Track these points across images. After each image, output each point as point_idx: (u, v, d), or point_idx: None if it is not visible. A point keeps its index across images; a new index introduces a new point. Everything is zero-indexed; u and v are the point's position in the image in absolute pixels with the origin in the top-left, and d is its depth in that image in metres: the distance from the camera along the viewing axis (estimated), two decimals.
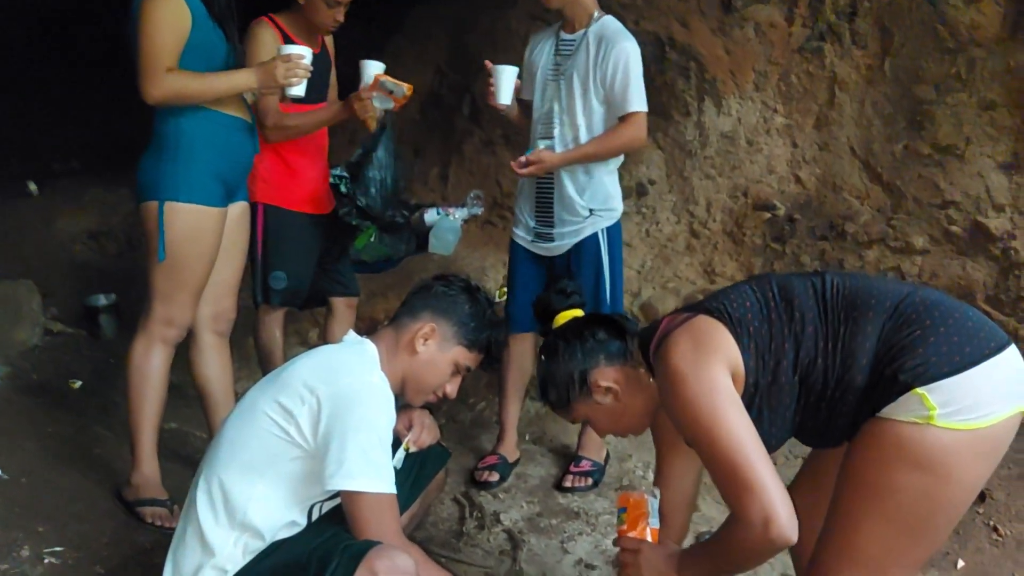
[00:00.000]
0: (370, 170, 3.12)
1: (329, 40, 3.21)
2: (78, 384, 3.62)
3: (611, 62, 2.85)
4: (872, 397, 1.55)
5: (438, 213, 4.48)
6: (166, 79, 2.50)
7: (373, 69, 3.00)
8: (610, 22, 2.93)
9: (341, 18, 3.04)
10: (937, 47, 3.44)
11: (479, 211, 4.51)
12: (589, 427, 3.05)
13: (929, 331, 1.53)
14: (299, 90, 2.67)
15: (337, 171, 3.47)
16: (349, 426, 1.82)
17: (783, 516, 1.49)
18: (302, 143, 3.10)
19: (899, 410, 1.51)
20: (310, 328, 4.04)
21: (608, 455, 3.15)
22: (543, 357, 1.90)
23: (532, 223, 3.05)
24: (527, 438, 3.32)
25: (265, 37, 2.94)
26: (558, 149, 2.95)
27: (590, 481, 3.01)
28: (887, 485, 1.53)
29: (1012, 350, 1.55)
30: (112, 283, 4.46)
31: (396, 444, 2.15)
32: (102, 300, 4.26)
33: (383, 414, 1.90)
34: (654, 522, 1.79)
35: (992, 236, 3.26)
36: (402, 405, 2.15)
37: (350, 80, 3.07)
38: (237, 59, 2.70)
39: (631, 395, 1.80)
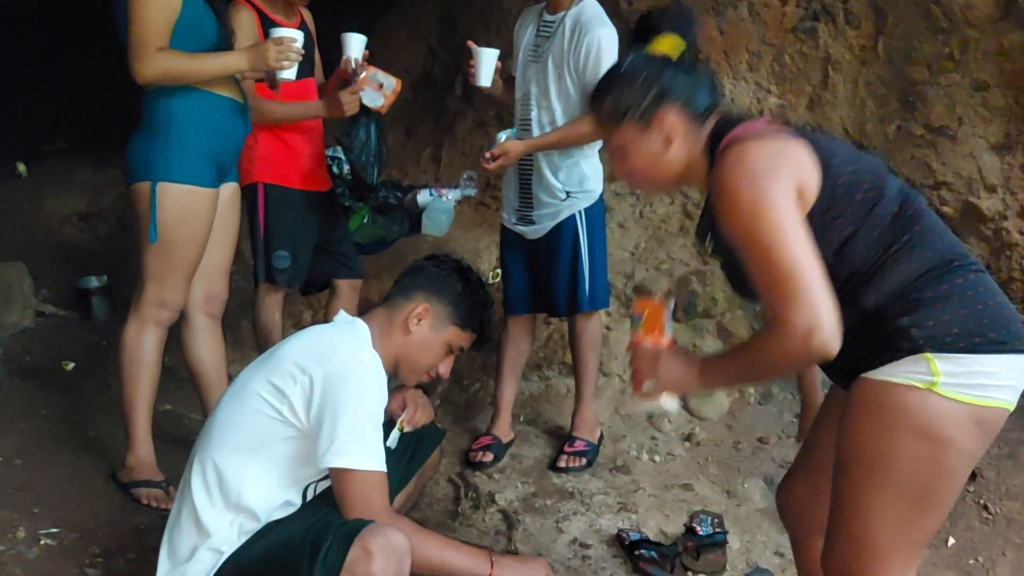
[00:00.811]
0: (359, 146, 3.12)
1: (308, 16, 3.18)
2: (71, 366, 3.61)
3: (583, 49, 2.82)
4: (874, 334, 1.52)
5: (431, 194, 4.48)
6: (157, 58, 2.48)
7: (355, 42, 2.99)
8: (588, 7, 2.89)
9: None
10: (930, 27, 3.42)
11: (472, 192, 4.51)
12: (583, 408, 3.09)
13: (964, 299, 1.51)
14: (289, 73, 2.67)
15: (330, 151, 3.47)
16: (340, 404, 1.83)
17: (828, 326, 1.43)
18: (300, 121, 3.09)
19: (900, 370, 1.50)
20: (304, 310, 4.03)
21: (602, 435, 3.16)
22: (622, 66, 1.71)
23: (516, 205, 3.06)
24: (521, 419, 3.33)
25: (242, 18, 2.91)
26: (535, 132, 2.94)
27: (584, 461, 3.03)
28: (892, 455, 1.52)
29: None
30: (104, 265, 4.45)
31: (390, 424, 2.16)
32: (94, 282, 4.25)
33: (374, 392, 1.91)
34: (668, 330, 1.70)
35: (984, 217, 3.27)
36: (396, 386, 2.15)
37: (337, 59, 3.04)
38: (227, 40, 2.68)
39: (679, 152, 1.65)
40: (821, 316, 1.42)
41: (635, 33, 1.80)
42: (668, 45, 1.69)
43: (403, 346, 2.04)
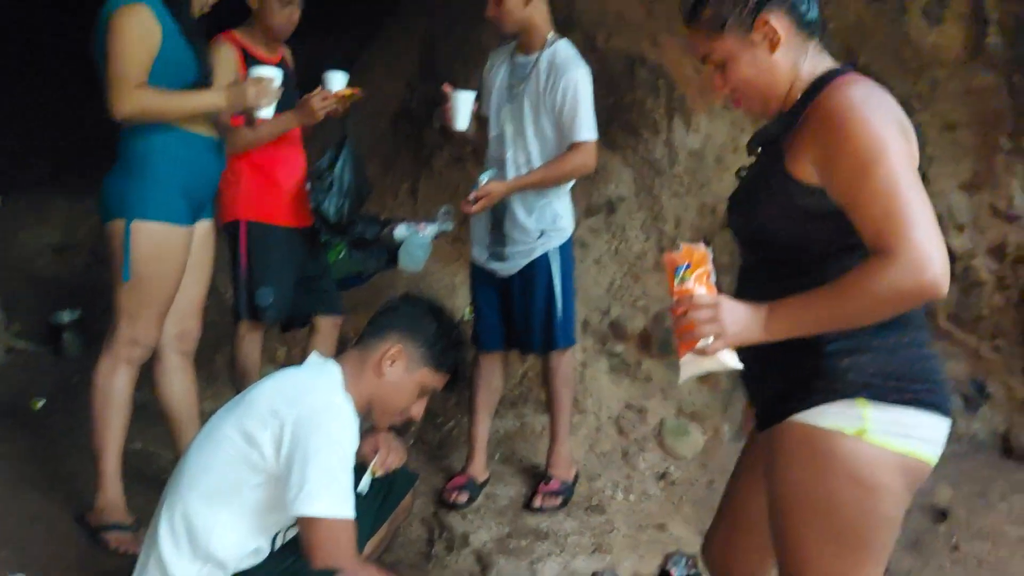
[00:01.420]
0: (331, 181, 3.12)
1: (287, 52, 3.20)
2: (40, 403, 3.56)
3: (560, 90, 2.85)
4: (809, 362, 1.49)
5: (408, 229, 4.46)
6: (136, 95, 2.48)
7: (337, 80, 3.00)
8: (563, 47, 2.92)
9: (296, 17, 3.04)
10: (901, 67, 3.49)
11: (449, 227, 4.50)
12: (558, 446, 3.08)
13: (908, 354, 1.50)
14: (267, 111, 2.68)
15: (308, 185, 3.46)
16: (311, 449, 1.81)
17: (944, 265, 1.35)
18: (281, 156, 3.09)
19: (831, 412, 1.48)
20: (278, 347, 4.01)
21: (577, 474, 3.16)
22: None
23: (486, 243, 3.07)
24: (496, 458, 3.32)
25: (224, 54, 2.92)
26: (510, 172, 2.96)
27: (559, 500, 3.02)
28: (827, 502, 1.50)
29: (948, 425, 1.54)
30: (77, 298, 4.40)
31: (363, 468, 2.15)
32: (66, 317, 4.21)
33: (346, 436, 1.89)
34: (714, 280, 1.51)
35: (953, 255, 3.30)
36: (367, 428, 2.14)
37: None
38: (206, 77, 2.68)
39: (785, 58, 1.55)
40: (938, 252, 1.35)
41: None
42: None
43: (376, 388, 2.03)
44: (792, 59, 1.56)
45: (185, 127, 2.61)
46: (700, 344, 1.43)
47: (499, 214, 3.01)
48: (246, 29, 3.05)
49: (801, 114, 1.52)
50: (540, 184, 2.94)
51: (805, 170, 1.48)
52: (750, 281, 1.66)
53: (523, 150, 2.96)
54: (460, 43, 4.87)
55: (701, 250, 1.51)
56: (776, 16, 1.54)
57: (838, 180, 1.45)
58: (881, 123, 1.43)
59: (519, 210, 2.96)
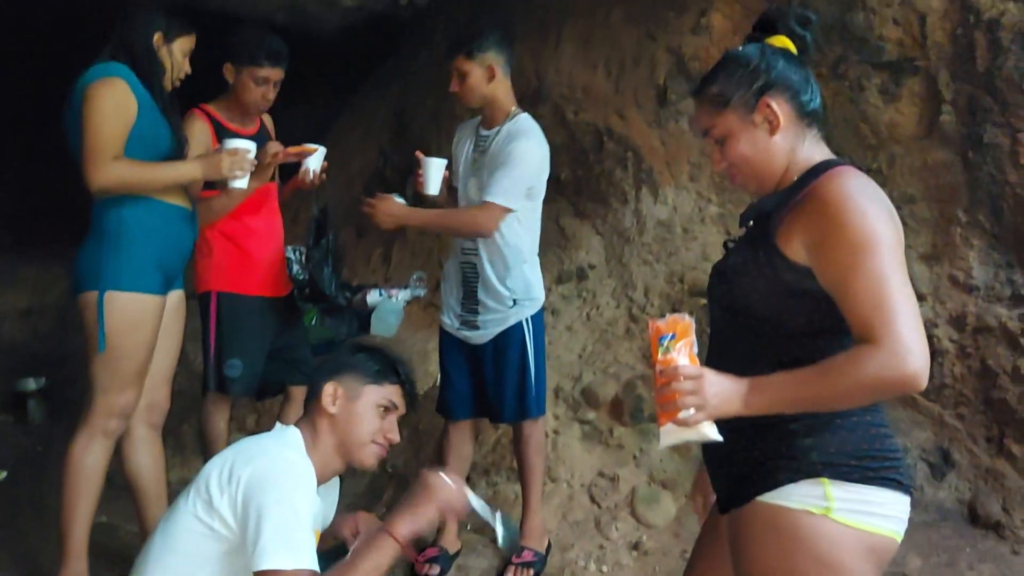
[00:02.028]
0: (320, 255, 3.16)
1: (268, 120, 3.25)
2: (3, 475, 3.49)
3: (504, 153, 2.89)
4: (771, 441, 1.52)
5: (380, 295, 4.51)
6: (112, 167, 2.50)
7: (315, 154, 3.04)
8: (523, 121, 2.97)
9: (271, 96, 3.08)
10: (860, 143, 3.61)
11: (422, 293, 4.56)
12: (531, 516, 3.06)
13: (867, 433, 1.53)
14: (242, 183, 2.70)
15: (288, 251, 3.48)
16: (264, 506, 1.79)
17: (927, 357, 1.38)
18: (255, 227, 3.11)
19: (796, 493, 1.51)
20: (248, 414, 3.97)
21: (550, 544, 3.14)
22: (735, 53, 1.68)
23: (458, 310, 3.08)
24: (468, 527, 3.29)
25: (195, 128, 2.96)
26: (479, 242, 2.98)
27: (532, 572, 2.99)
28: None
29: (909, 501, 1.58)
30: (43, 365, 4.35)
31: (343, 551, 2.12)
32: (31, 384, 4.15)
33: (299, 492, 1.87)
34: (696, 350, 1.53)
35: None
36: (344, 510, 2.13)
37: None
38: (181, 149, 2.71)
39: (783, 142, 1.61)
40: (921, 346, 1.38)
41: (754, 29, 1.75)
42: (787, 45, 1.68)
43: (334, 431, 2.02)
44: (790, 143, 1.62)
45: (159, 197, 2.63)
46: (681, 415, 1.45)
47: (471, 282, 3.04)
48: (221, 101, 3.09)
49: (797, 194, 1.56)
50: (433, 225, 3.08)
51: (794, 249, 1.53)
52: (721, 349, 1.69)
53: None
54: (432, 111, 4.97)
55: (686, 321, 1.53)
56: (779, 101, 1.60)
57: (829, 267, 1.49)
58: (875, 216, 1.47)
59: (492, 276, 2.99)
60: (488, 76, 2.92)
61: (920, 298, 3.39)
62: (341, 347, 2.22)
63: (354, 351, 2.13)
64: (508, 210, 2.88)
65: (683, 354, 1.50)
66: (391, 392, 2.08)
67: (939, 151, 3.45)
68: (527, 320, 3.02)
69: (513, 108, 3.00)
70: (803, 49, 1.68)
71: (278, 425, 2.13)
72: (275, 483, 1.84)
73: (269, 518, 1.78)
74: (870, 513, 1.51)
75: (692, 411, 1.45)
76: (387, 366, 2.10)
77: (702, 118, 1.68)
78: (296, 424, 2.07)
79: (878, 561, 1.54)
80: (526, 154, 2.88)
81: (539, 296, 3.07)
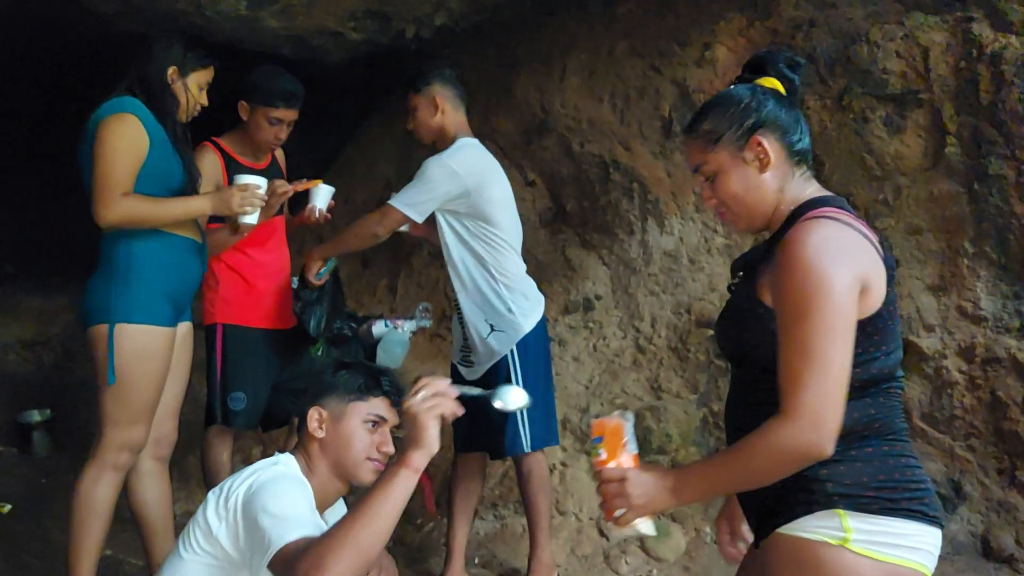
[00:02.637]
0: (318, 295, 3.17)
1: (280, 154, 3.26)
2: (7, 508, 3.47)
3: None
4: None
5: (386, 325, 4.48)
6: (121, 203, 2.51)
7: (323, 193, 3.06)
8: (458, 142, 3.03)
9: (283, 136, 3.10)
10: (865, 175, 3.62)
11: (428, 324, 4.53)
12: (538, 551, 3.02)
13: (885, 464, 1.52)
14: (252, 218, 2.70)
15: (295, 283, 3.48)
16: (258, 508, 1.77)
17: (832, 427, 1.41)
18: (260, 260, 3.12)
19: (813, 524, 1.51)
20: (253, 446, 3.95)
21: None
22: (727, 92, 1.70)
23: (459, 346, 3.13)
24: (476, 561, 3.27)
25: (206, 162, 2.97)
26: (456, 268, 3.05)
27: None
28: None
29: (940, 533, 1.56)
30: (47, 397, 4.33)
31: None
32: (36, 416, 4.13)
33: (296, 489, 1.86)
34: (632, 447, 1.61)
35: (924, 355, 3.38)
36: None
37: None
38: (193, 183, 2.72)
39: (773, 180, 1.63)
40: (829, 414, 1.42)
41: (744, 70, 1.78)
42: (775, 86, 1.70)
43: (327, 455, 2.01)
44: (779, 182, 1.64)
45: (169, 230, 2.64)
46: (615, 514, 1.55)
47: (460, 313, 3.08)
48: (233, 135, 3.11)
49: (777, 242, 1.58)
50: (342, 244, 3.15)
51: (768, 298, 1.55)
52: (736, 394, 1.71)
53: (448, 246, 3.06)
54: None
55: (613, 423, 1.60)
56: (769, 139, 1.63)
57: (778, 319, 1.51)
58: (827, 272, 1.46)
59: (470, 302, 3.02)
60: (434, 108, 3.01)
61: (928, 329, 3.41)
62: (323, 367, 2.20)
63: (335, 370, 2.11)
64: (405, 217, 2.97)
65: (613, 456, 1.58)
66: (377, 405, 2.05)
67: (945, 183, 3.46)
68: (512, 352, 3.00)
69: (461, 137, 3.04)
70: (791, 91, 1.71)
71: (277, 453, 2.10)
72: (265, 489, 1.82)
73: (264, 513, 1.75)
74: (894, 545, 1.49)
75: (623, 510, 1.54)
76: (370, 379, 2.07)
77: (694, 154, 1.70)
78: (292, 452, 2.05)
79: None
80: (433, 169, 2.96)
81: (521, 322, 3.02)
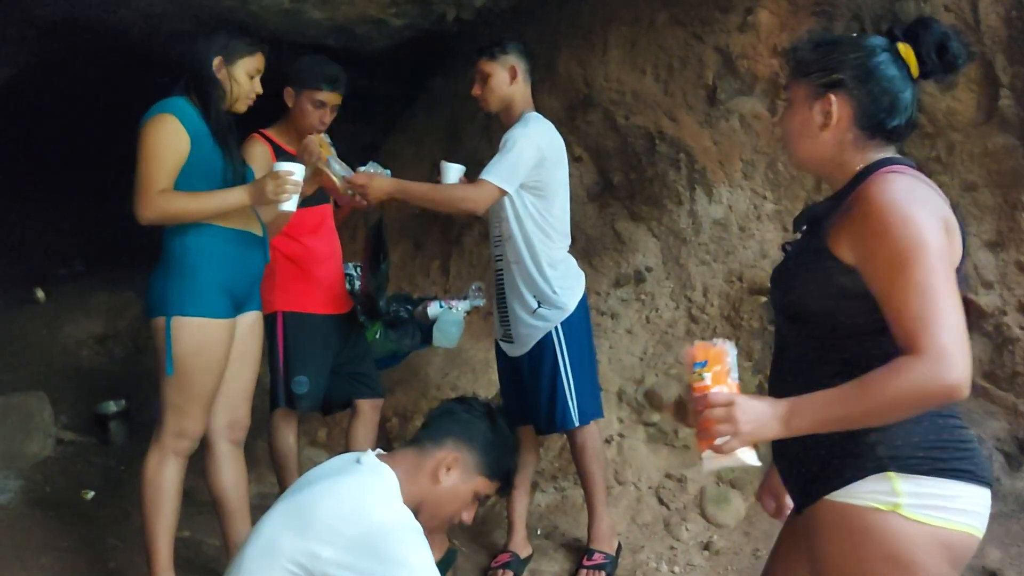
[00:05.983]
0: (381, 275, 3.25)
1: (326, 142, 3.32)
2: (90, 495, 3.63)
3: (502, 141, 2.97)
4: (837, 437, 1.49)
5: (441, 306, 4.56)
6: (156, 201, 2.58)
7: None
8: (528, 116, 3.03)
9: (328, 120, 3.16)
10: (917, 132, 3.53)
11: (481, 303, 4.60)
12: (597, 520, 3.07)
13: (934, 425, 1.50)
14: (290, 205, 2.68)
15: (348, 268, 3.58)
16: (388, 566, 1.75)
17: (968, 364, 1.37)
18: (314, 247, 3.20)
19: (863, 490, 1.49)
20: (319, 427, 4.07)
21: (620, 546, 3.16)
22: (854, 35, 1.70)
23: (497, 323, 3.17)
24: (539, 532, 3.33)
25: (255, 152, 3.05)
26: (505, 249, 3.05)
27: (603, 574, 3.02)
28: None
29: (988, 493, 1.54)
30: (121, 388, 4.50)
31: (452, 556, 2.12)
32: (112, 407, 4.29)
33: (418, 550, 1.80)
34: (735, 376, 1.53)
35: (984, 313, 3.33)
36: None
37: None
38: (241, 174, 2.78)
39: (829, 141, 1.61)
40: (963, 356, 1.38)
41: (893, 28, 1.67)
42: (911, 58, 1.62)
43: (429, 494, 1.96)
44: (840, 145, 1.61)
45: (222, 223, 2.69)
46: (717, 442, 1.46)
47: (500, 287, 3.10)
48: (280, 126, 3.20)
49: (847, 197, 1.56)
50: (425, 198, 3.06)
51: (845, 253, 1.52)
52: (785, 354, 1.70)
53: (504, 219, 3.04)
54: (483, 125, 5.02)
55: (717, 347, 1.53)
56: (843, 104, 1.60)
57: (874, 272, 1.48)
58: (920, 222, 1.45)
59: (518, 278, 3.04)
60: (510, 77, 3.00)
61: (987, 286, 3.35)
62: (474, 407, 2.11)
63: (487, 426, 2.05)
64: (502, 191, 2.91)
65: (718, 381, 1.50)
66: (493, 488, 2.06)
67: (999, 136, 3.40)
68: (557, 329, 3.04)
69: (528, 111, 3.05)
70: (923, 73, 1.63)
71: (370, 460, 1.99)
72: (392, 550, 1.78)
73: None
74: (943, 508, 1.48)
75: (727, 438, 1.45)
76: (504, 464, 2.06)
77: (788, 71, 1.71)
78: (391, 461, 1.98)
79: (955, 558, 1.50)
80: (520, 139, 2.93)
81: (568, 303, 3.06)
